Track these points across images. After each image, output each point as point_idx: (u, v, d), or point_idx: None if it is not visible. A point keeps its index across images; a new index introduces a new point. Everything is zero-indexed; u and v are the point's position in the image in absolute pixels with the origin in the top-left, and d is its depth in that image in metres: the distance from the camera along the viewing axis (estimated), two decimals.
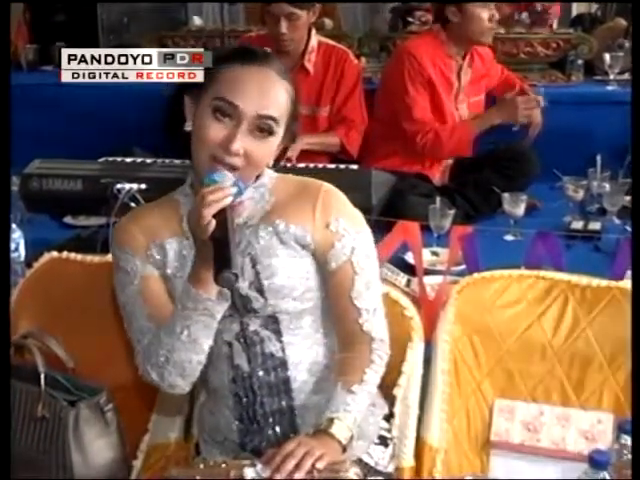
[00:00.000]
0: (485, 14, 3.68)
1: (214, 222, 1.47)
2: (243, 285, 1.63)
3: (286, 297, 1.65)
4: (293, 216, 1.66)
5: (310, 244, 1.66)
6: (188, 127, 1.64)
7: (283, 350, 1.68)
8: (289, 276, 1.64)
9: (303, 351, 1.70)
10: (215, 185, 1.51)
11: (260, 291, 1.63)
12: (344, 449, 1.58)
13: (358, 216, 1.72)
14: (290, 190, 1.70)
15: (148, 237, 1.68)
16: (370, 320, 1.69)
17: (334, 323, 1.73)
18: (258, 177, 1.69)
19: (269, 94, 1.58)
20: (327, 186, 1.71)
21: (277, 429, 1.69)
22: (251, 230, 1.66)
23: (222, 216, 1.48)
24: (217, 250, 1.46)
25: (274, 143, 1.62)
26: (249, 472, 1.49)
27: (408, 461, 1.82)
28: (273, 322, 1.67)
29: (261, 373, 1.68)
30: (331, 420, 1.59)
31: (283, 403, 1.69)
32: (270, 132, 1.59)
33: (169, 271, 1.67)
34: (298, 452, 1.50)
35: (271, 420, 1.70)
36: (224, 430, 1.73)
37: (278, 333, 1.68)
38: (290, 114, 1.63)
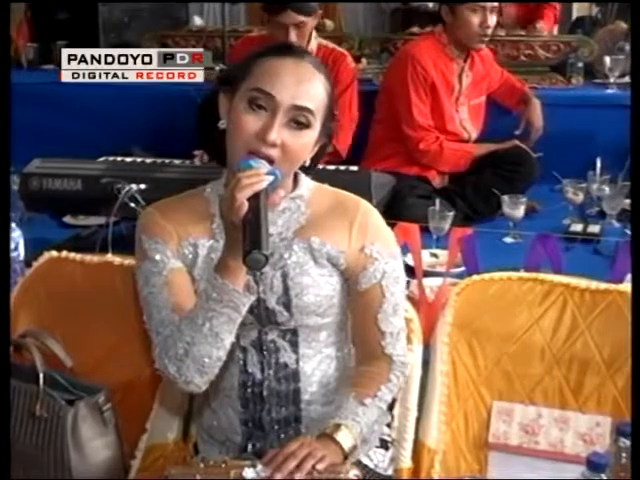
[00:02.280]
0: (475, 19, 3.66)
1: (247, 205, 1.43)
2: (270, 299, 1.62)
3: (311, 313, 1.64)
4: (329, 234, 1.65)
5: (342, 264, 1.65)
6: (222, 125, 1.60)
7: (297, 362, 1.68)
8: (317, 294, 1.63)
9: (316, 364, 1.70)
10: (251, 170, 1.48)
11: (287, 307, 1.63)
12: (345, 457, 1.57)
13: (391, 238, 1.71)
14: (327, 204, 1.68)
15: (180, 232, 1.65)
16: (393, 343, 1.69)
17: (356, 340, 1.74)
18: (295, 186, 1.68)
19: (305, 85, 1.55)
20: (364, 205, 1.70)
21: (281, 436, 1.69)
22: (285, 244, 1.64)
23: (255, 201, 1.45)
24: (247, 232, 1.43)
25: (311, 136, 1.58)
26: (249, 472, 1.49)
27: (406, 462, 1.82)
28: (292, 334, 1.67)
29: (273, 382, 1.68)
30: (338, 426, 1.58)
31: (290, 412, 1.69)
32: (307, 124, 1.55)
33: (195, 272, 1.65)
34: (300, 453, 1.49)
35: (276, 427, 1.70)
36: (226, 431, 1.73)
37: (295, 345, 1.67)
38: (327, 108, 1.60)
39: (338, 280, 1.67)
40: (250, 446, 1.71)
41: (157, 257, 1.63)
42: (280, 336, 1.67)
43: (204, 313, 1.52)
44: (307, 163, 1.64)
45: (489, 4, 3.68)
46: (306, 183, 1.70)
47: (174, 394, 1.88)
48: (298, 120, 1.54)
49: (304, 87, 1.55)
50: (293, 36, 3.55)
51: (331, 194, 1.72)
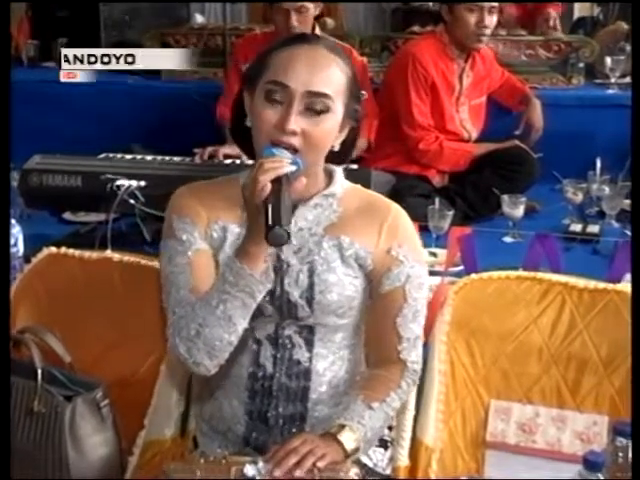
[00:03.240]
0: (472, 18, 3.66)
1: (269, 187, 1.46)
2: (294, 292, 1.63)
3: (331, 313, 1.65)
4: (358, 234, 1.65)
5: (369, 265, 1.66)
6: (248, 122, 1.62)
7: (310, 360, 1.68)
8: (340, 294, 1.64)
9: (328, 364, 1.70)
10: (274, 157, 1.51)
11: (309, 302, 1.63)
12: (347, 457, 1.57)
13: (419, 244, 1.72)
14: (359, 204, 1.69)
15: (210, 215, 1.66)
16: (409, 349, 1.69)
17: (371, 343, 1.74)
18: (329, 184, 1.68)
19: (318, 71, 1.56)
20: (396, 208, 1.70)
21: (285, 433, 1.69)
22: (315, 239, 1.65)
23: (277, 184, 1.48)
24: (269, 210, 1.46)
25: (333, 121, 1.58)
26: (250, 469, 1.49)
27: (404, 461, 1.82)
28: (309, 332, 1.67)
29: (283, 377, 1.68)
30: (342, 426, 1.58)
31: (297, 410, 1.69)
32: (325, 109, 1.56)
33: (221, 256, 1.65)
34: (301, 449, 1.50)
35: (281, 423, 1.69)
36: (229, 421, 1.73)
37: (310, 343, 1.68)
38: (348, 91, 1.60)
39: (362, 282, 1.67)
40: (252, 439, 1.71)
41: (184, 237, 1.64)
42: (297, 332, 1.67)
43: (219, 295, 1.53)
44: (336, 148, 1.64)
45: (487, 4, 3.68)
46: (341, 182, 1.70)
47: (172, 390, 1.89)
48: (315, 105, 1.55)
49: (318, 73, 1.56)
50: (294, 21, 3.56)
51: (364, 195, 1.73)
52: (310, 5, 3.62)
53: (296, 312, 1.64)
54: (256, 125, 1.58)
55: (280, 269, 1.63)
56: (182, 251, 1.63)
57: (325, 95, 1.55)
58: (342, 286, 1.64)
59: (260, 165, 1.48)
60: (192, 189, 1.71)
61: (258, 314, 1.61)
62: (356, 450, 1.59)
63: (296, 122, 1.53)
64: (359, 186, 1.75)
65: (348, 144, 1.68)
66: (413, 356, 1.70)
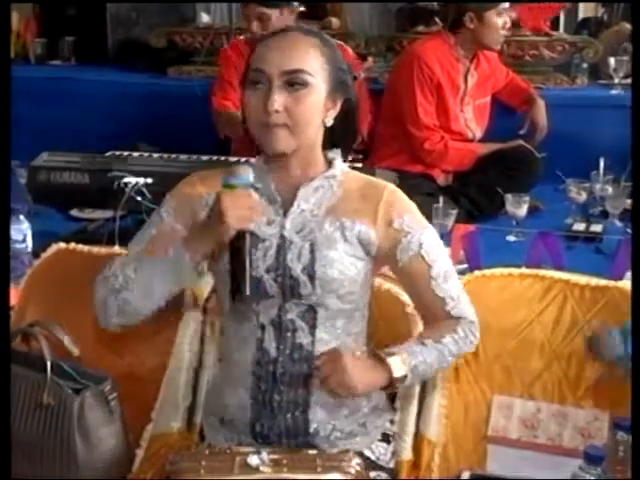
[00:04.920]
0: (500, 21, 3.70)
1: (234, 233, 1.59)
2: (296, 268, 1.66)
3: (332, 292, 1.68)
4: (358, 213, 1.70)
5: (374, 242, 1.70)
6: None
7: (313, 344, 1.70)
8: (341, 272, 1.67)
9: None
10: (235, 189, 1.60)
11: (311, 278, 1.66)
12: (391, 384, 1.64)
13: (420, 215, 1.77)
14: (358, 186, 1.75)
15: (209, 190, 1.73)
16: (457, 306, 1.74)
17: (421, 311, 1.80)
18: (330, 167, 1.74)
19: (291, 51, 1.64)
20: (391, 187, 1.76)
21: (288, 418, 1.70)
22: (317, 220, 1.70)
23: (242, 240, 1.60)
24: (235, 273, 1.61)
25: (314, 96, 1.65)
26: (254, 459, 1.51)
27: (407, 455, 1.83)
28: (311, 316, 1.70)
29: (287, 361, 1.70)
30: (392, 353, 1.65)
31: (299, 395, 1.70)
32: (303, 84, 1.63)
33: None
34: (324, 369, 1.64)
35: (285, 409, 1.70)
36: (235, 408, 1.74)
37: (313, 327, 1.70)
38: (328, 65, 1.67)
39: (364, 266, 1.71)
40: (258, 426, 1.71)
41: (163, 213, 1.74)
42: (299, 316, 1.69)
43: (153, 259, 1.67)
44: (329, 123, 1.70)
45: (507, 4, 3.72)
46: (340, 166, 1.76)
47: (179, 384, 1.91)
48: (293, 81, 1.63)
49: (290, 52, 1.64)
50: (254, 27, 3.57)
51: (362, 179, 1.79)
52: (271, 12, 3.58)
53: (298, 289, 1.67)
54: (246, 111, 1.68)
55: (283, 246, 1.68)
56: (154, 223, 1.75)
57: (300, 70, 1.63)
58: (343, 263, 1.67)
59: (223, 200, 1.58)
60: (198, 174, 1.80)
61: (263, 295, 1.67)
62: (403, 379, 1.64)
63: (277, 102, 1.61)
64: (358, 173, 1.80)
65: (342, 118, 1.73)
66: (465, 310, 1.75)
